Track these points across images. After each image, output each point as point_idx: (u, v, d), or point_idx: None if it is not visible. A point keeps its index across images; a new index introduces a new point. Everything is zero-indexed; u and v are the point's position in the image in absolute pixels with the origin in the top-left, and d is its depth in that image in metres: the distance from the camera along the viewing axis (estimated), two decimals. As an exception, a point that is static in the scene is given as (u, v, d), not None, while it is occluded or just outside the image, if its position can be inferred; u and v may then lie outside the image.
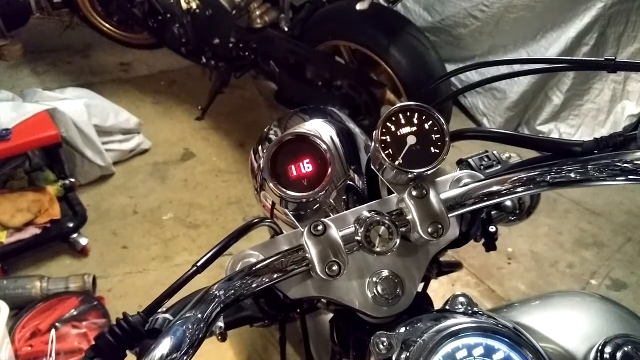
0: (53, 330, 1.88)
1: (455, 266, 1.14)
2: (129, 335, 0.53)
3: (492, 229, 0.86)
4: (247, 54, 2.93)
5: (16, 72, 3.71)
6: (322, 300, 0.88)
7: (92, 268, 2.31)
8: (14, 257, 2.26)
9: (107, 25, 3.95)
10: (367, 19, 2.44)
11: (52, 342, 1.87)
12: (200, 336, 0.55)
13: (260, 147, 1.06)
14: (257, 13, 2.81)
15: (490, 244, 0.88)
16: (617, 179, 0.65)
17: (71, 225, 2.34)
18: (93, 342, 0.51)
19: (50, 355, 1.83)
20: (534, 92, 3.24)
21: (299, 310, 0.88)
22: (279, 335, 1.17)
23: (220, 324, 0.82)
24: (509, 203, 0.91)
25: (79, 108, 2.54)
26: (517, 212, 0.92)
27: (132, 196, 2.76)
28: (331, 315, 0.91)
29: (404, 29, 2.42)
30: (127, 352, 0.54)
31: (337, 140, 0.99)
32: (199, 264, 0.64)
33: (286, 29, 2.80)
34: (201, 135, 3.27)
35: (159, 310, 0.65)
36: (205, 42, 3.08)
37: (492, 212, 0.89)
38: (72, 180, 2.48)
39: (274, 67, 2.86)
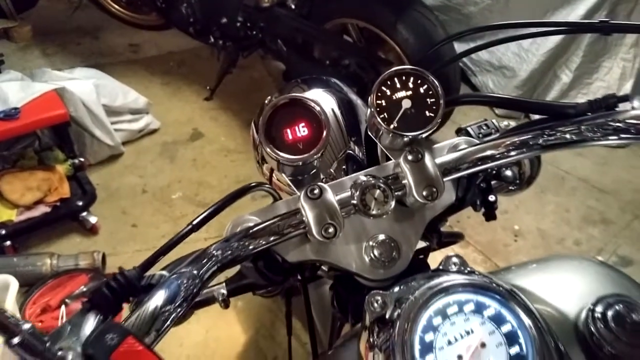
0: (63, 306, 1.90)
1: (456, 236, 1.15)
2: (124, 289, 0.54)
3: (492, 198, 0.87)
4: (254, 33, 2.93)
5: (26, 54, 3.73)
6: (322, 267, 0.90)
7: (102, 246, 2.34)
8: (24, 235, 2.29)
9: (116, 7, 3.96)
10: (374, -4, 2.44)
11: (62, 317, 1.90)
12: (195, 291, 0.57)
13: (260, 119, 1.07)
14: (265, -9, 2.81)
15: (490, 213, 0.89)
16: (610, 138, 0.65)
17: (80, 203, 2.37)
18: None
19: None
20: (542, 71, 3.22)
21: (300, 278, 0.89)
22: (285, 309, 1.19)
23: (223, 290, 0.85)
24: (508, 172, 0.91)
25: (88, 88, 2.56)
26: (517, 181, 0.93)
27: (142, 175, 2.79)
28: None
29: (411, 5, 2.41)
30: (123, 305, 0.56)
31: (337, 110, 1.00)
32: (194, 222, 0.66)
33: (293, 7, 2.79)
34: (210, 115, 3.29)
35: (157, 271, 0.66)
36: (212, 21, 3.07)
37: (492, 182, 0.89)
38: (82, 159, 2.50)
39: (281, 46, 2.86)
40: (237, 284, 0.86)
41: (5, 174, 2.29)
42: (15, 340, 0.42)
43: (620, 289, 0.72)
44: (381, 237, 0.71)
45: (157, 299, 0.53)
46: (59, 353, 0.45)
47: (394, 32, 2.40)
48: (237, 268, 0.86)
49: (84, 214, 2.38)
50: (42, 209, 2.30)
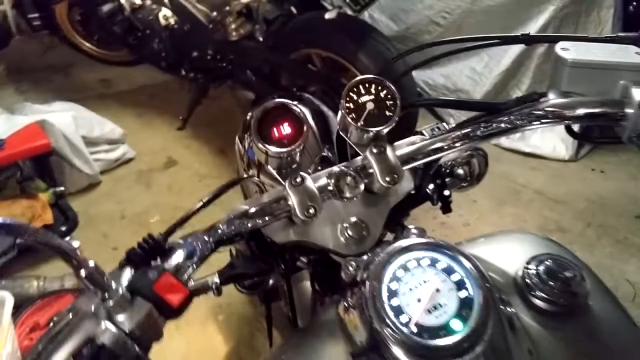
0: (51, 324, 1.98)
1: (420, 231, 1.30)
2: (152, 249, 0.68)
3: (446, 192, 1.03)
4: (224, 64, 3.07)
5: (1, 92, 3.84)
6: (302, 258, 1.04)
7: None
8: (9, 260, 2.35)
9: (87, 44, 4.08)
10: (335, 28, 2.60)
11: (51, 335, 1.97)
12: (207, 253, 0.71)
13: (245, 134, 1.22)
14: (233, 26, 2.95)
15: (446, 207, 1.04)
16: (534, 123, 0.81)
17: (63, 229, 2.46)
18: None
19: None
20: (496, 92, 3.43)
21: (283, 267, 1.02)
22: (265, 314, 1.31)
23: (216, 279, 0.98)
24: (460, 170, 1.06)
25: (67, 119, 2.68)
26: (468, 178, 1.09)
27: (119, 202, 2.89)
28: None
29: (370, 35, 2.59)
30: (152, 262, 0.69)
31: (311, 120, 1.15)
32: (204, 200, 0.80)
33: (261, 40, 2.95)
34: (182, 143, 3.41)
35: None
36: (183, 55, 3.21)
37: (447, 179, 1.05)
38: (62, 188, 2.60)
39: (250, 75, 3.01)
40: (228, 273, 0.98)
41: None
42: (83, 272, 0.56)
43: (550, 250, 0.89)
44: (353, 219, 0.86)
45: (179, 256, 0.67)
46: (112, 286, 0.59)
47: (355, 60, 2.57)
48: (228, 259, 1.00)
49: (67, 239, 2.47)
50: (27, 235, 2.38)
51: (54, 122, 2.58)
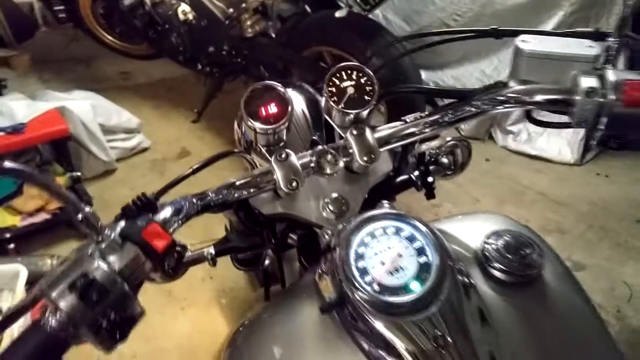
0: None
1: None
2: (145, 205, 0.77)
3: (430, 179, 1.11)
4: (238, 60, 3.18)
5: (24, 80, 3.98)
6: (291, 235, 1.12)
7: (97, 250, 2.53)
8: (25, 239, 2.49)
9: (109, 37, 4.22)
10: (345, 26, 2.70)
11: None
12: (193, 212, 0.80)
13: (241, 119, 1.31)
14: (248, 23, 3.05)
15: (430, 193, 1.12)
16: (498, 108, 0.89)
17: (78, 211, 2.56)
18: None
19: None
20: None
21: (274, 242, 1.10)
22: (264, 296, 1.38)
23: (211, 251, 1.06)
24: (445, 159, 1.13)
25: (86, 107, 2.80)
26: (452, 167, 1.16)
27: (133, 188, 2.98)
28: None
29: (379, 34, 2.68)
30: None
31: (304, 107, 1.24)
32: (194, 167, 0.89)
33: (274, 37, 3.05)
34: (196, 135, 3.53)
35: None
36: (200, 50, 3.33)
37: (431, 167, 1.13)
38: (78, 173, 2.72)
39: (263, 71, 3.11)
40: (222, 246, 1.06)
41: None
42: (80, 216, 0.65)
43: (510, 227, 0.97)
44: (334, 195, 0.94)
45: (168, 210, 0.76)
46: (106, 230, 0.68)
47: (364, 59, 2.65)
48: (223, 233, 1.08)
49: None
50: (43, 216, 2.51)
51: (73, 109, 2.69)
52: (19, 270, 1.79)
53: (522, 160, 3.49)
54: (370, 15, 2.72)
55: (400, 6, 3.70)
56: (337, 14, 2.59)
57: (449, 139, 1.13)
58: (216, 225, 1.12)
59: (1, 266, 1.84)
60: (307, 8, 3.06)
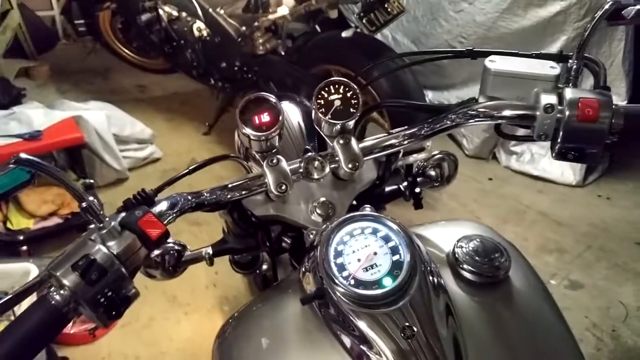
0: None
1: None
2: (144, 199, 0.85)
3: (417, 190, 1.19)
4: (249, 76, 3.27)
5: (43, 90, 4.12)
6: (285, 239, 1.19)
7: (107, 254, 2.62)
8: (38, 242, 2.59)
9: (127, 51, 4.37)
10: (352, 46, 2.79)
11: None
12: (186, 208, 0.88)
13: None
14: (260, 41, 3.15)
15: (417, 203, 1.20)
16: (470, 121, 0.97)
17: (90, 217, 2.66)
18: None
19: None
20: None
21: (268, 245, 1.17)
22: None
23: (209, 251, 1.14)
24: (432, 172, 1.21)
25: (101, 117, 2.91)
26: (439, 179, 1.24)
27: (144, 197, 3.08)
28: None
29: (384, 53, 2.76)
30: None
31: (300, 119, 1.33)
32: (191, 167, 0.98)
33: (284, 54, 3.15)
34: (207, 147, 3.63)
35: None
36: (213, 65, 3.45)
37: (418, 179, 1.20)
38: (91, 180, 2.82)
39: (273, 87, 3.19)
40: (220, 247, 1.13)
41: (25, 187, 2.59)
42: (84, 204, 0.73)
43: (481, 233, 1.04)
44: (322, 199, 1.01)
45: (163, 205, 0.85)
46: (107, 219, 0.76)
47: (369, 77, 2.73)
48: (220, 235, 1.16)
49: (92, 226, 2.67)
50: (56, 220, 2.62)
51: (88, 119, 2.80)
52: (30, 269, 1.89)
53: (525, 180, 3.54)
54: (379, 36, 2.81)
55: (410, 28, 3.81)
56: (344, 34, 2.69)
57: (436, 152, 1.21)
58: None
59: (13, 265, 1.93)
60: (318, 28, 3.17)
